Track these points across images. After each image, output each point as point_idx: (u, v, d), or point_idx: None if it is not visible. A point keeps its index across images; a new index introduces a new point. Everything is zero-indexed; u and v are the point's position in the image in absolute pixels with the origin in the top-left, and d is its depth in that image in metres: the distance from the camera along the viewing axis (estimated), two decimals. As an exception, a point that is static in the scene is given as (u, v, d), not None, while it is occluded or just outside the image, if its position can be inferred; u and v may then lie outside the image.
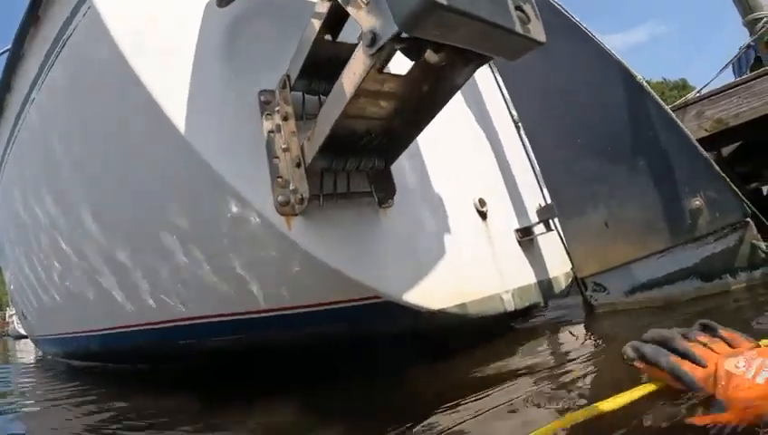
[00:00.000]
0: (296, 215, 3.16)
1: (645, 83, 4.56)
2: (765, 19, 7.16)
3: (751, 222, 4.33)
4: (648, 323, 4.22)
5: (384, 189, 3.56)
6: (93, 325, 6.16)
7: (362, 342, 4.15)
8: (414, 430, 2.58)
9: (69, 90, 4.35)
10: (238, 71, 3.41)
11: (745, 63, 9.11)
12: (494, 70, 5.66)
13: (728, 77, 7.66)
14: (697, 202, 4.39)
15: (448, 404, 2.85)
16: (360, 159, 3.23)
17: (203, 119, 3.19)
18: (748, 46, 7.49)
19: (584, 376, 2.98)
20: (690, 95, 7.15)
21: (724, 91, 6.90)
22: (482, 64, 2.86)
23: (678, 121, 4.54)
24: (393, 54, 2.56)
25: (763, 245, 4.31)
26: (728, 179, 4.38)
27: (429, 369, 4.03)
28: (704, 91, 7.06)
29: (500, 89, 5.44)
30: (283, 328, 3.95)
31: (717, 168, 4.40)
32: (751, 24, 7.28)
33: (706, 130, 6.76)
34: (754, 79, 6.80)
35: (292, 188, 3.13)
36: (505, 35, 2.40)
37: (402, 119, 3.13)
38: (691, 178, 4.43)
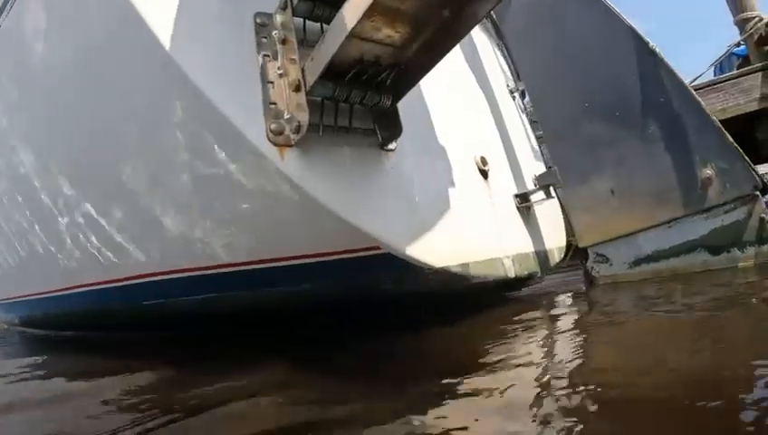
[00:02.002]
0: (291, 146, 2.80)
1: (658, 50, 4.20)
2: (756, 18, 6.97)
3: (760, 196, 4.01)
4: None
5: (389, 129, 3.16)
6: (48, 286, 5.52)
7: (359, 301, 3.74)
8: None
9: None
10: None
11: (728, 66, 8.95)
12: (494, 40, 5.28)
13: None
14: (708, 172, 4.06)
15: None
16: (365, 92, 2.85)
17: (192, 37, 2.84)
18: (738, 44, 7.31)
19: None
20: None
21: (712, 85, 6.69)
22: None
23: (691, 90, 4.19)
24: None
25: (772, 219, 3.97)
26: (740, 150, 4.03)
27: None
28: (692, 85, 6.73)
29: (498, 60, 5.04)
30: (267, 285, 3.52)
31: (730, 138, 4.06)
32: (741, 24, 7.09)
33: None
34: (742, 76, 6.58)
35: (287, 116, 2.79)
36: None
37: (416, 48, 2.75)
38: (702, 148, 4.10)
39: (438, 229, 3.44)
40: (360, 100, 2.86)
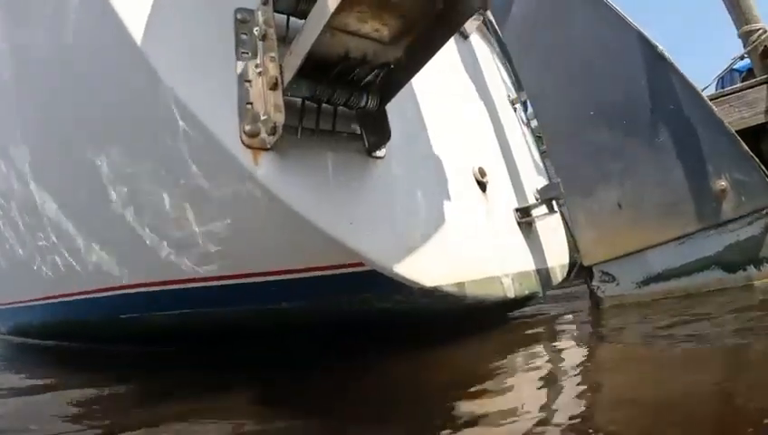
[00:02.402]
0: (267, 149, 2.55)
1: (667, 54, 3.89)
2: (760, 30, 6.69)
3: (779, 209, 3.67)
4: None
5: (376, 133, 2.90)
6: (31, 295, 5.19)
7: (343, 321, 3.44)
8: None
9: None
10: None
11: (729, 81, 8.69)
12: (495, 48, 4.99)
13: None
14: (722, 184, 3.74)
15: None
16: (350, 93, 2.62)
17: (165, 31, 2.60)
18: (742, 57, 7.03)
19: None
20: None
21: (716, 98, 6.38)
22: None
23: (704, 96, 3.88)
24: None
25: (790, 234, 3.65)
26: (757, 160, 3.72)
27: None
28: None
29: (498, 68, 4.75)
30: (242, 302, 3.22)
31: (746, 147, 3.74)
32: (745, 36, 6.82)
33: None
34: (747, 88, 6.29)
35: (263, 117, 2.54)
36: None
37: (406, 45, 2.52)
38: (716, 157, 3.78)
39: (431, 245, 3.16)
40: (345, 101, 2.66)
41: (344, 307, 3.21)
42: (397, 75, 2.70)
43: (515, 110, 5.09)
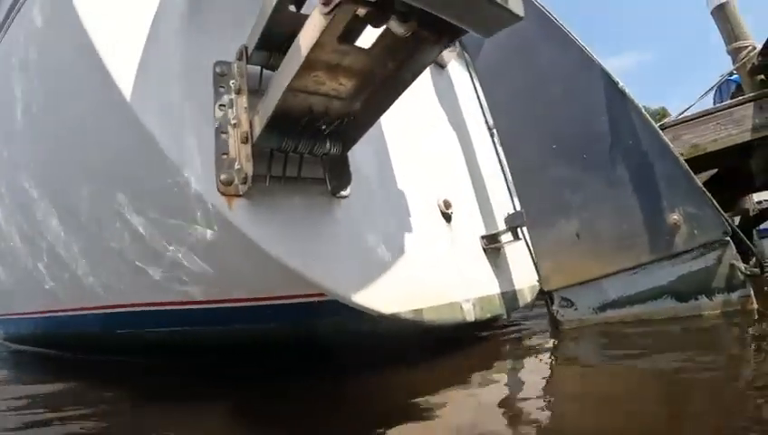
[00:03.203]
0: (240, 196, 2.77)
1: (627, 90, 3.94)
2: (749, 48, 6.65)
3: (731, 241, 3.74)
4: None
5: (339, 177, 3.09)
6: (35, 307, 5.45)
7: (306, 343, 3.70)
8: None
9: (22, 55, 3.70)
10: (195, 40, 2.98)
11: (726, 93, 8.60)
12: (473, 75, 5.04)
13: (708, 106, 7.07)
14: (675, 217, 3.80)
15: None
16: (314, 143, 2.80)
17: (152, 87, 2.79)
18: (731, 73, 6.99)
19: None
20: (668, 119, 6.56)
21: (703, 116, 6.36)
22: (453, 41, 2.42)
23: (660, 132, 3.93)
24: (356, 24, 2.17)
25: (742, 266, 3.71)
26: (709, 195, 3.76)
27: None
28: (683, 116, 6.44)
29: (477, 95, 4.80)
30: (219, 323, 3.49)
31: (699, 182, 3.80)
32: (735, 53, 6.78)
33: (682, 155, 6.14)
34: (735, 106, 6.24)
35: (237, 167, 2.75)
36: (479, 2, 2.04)
37: (364, 99, 2.70)
38: (670, 192, 3.84)
39: (390, 275, 3.31)
40: (310, 150, 2.82)
41: (312, 331, 3.46)
42: (357, 125, 2.84)
43: (492, 135, 5.12)
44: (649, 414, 2.12)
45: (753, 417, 1.96)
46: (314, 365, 3.89)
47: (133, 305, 3.86)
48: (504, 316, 4.37)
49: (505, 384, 3.08)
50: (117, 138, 2.99)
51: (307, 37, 2.21)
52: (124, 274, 3.70)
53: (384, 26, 2.21)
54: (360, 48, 2.40)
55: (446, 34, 2.31)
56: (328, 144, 2.85)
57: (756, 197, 9.28)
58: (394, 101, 2.68)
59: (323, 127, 2.74)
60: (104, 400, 3.70)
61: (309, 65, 2.30)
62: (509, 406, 2.57)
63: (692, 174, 3.81)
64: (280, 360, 4.01)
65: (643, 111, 3.94)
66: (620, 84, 3.97)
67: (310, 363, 3.91)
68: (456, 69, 5.01)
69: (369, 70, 2.51)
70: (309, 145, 2.78)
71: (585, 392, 2.69)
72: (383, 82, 2.58)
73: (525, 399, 2.72)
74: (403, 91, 2.62)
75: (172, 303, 3.56)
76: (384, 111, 2.75)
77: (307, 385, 3.46)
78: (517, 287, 4.57)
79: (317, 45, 2.20)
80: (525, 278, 4.58)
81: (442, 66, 4.95)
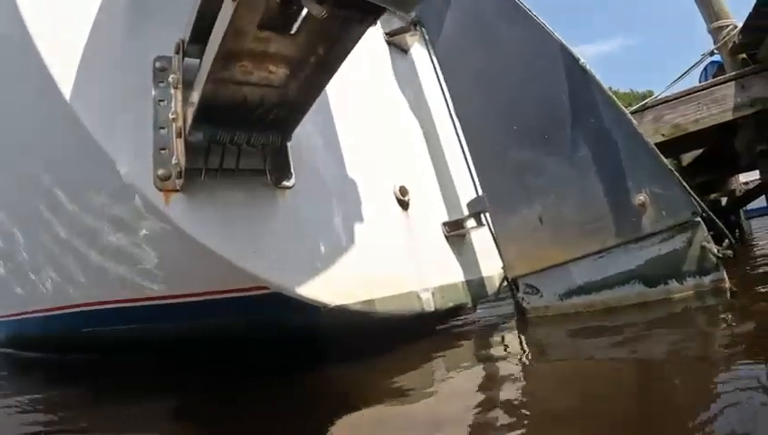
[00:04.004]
0: (177, 191, 2.64)
1: (588, 67, 3.63)
2: (730, 27, 6.32)
3: (701, 222, 3.43)
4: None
5: (280, 168, 2.92)
6: (8, 310, 5.33)
7: (254, 339, 3.47)
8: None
9: None
10: (136, 35, 2.80)
11: (711, 75, 8.29)
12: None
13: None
14: (641, 198, 3.49)
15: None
16: (250, 133, 2.63)
17: (91, 84, 2.65)
18: (712, 53, 6.65)
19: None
20: (649, 100, 6.26)
21: (685, 96, 6.07)
22: (375, 20, 2.25)
23: (623, 108, 3.62)
24: (277, 11, 2.06)
25: (714, 248, 3.41)
26: (677, 174, 3.46)
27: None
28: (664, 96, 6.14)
29: (438, 79, 4.49)
30: (170, 319, 3.42)
31: (665, 160, 3.49)
32: (716, 32, 6.46)
33: (663, 135, 5.93)
34: (716, 85, 5.94)
35: (174, 161, 2.60)
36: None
37: (298, 86, 2.51)
38: (636, 172, 3.54)
39: (338, 266, 3.13)
40: (247, 141, 2.65)
41: (258, 327, 3.29)
42: (294, 112, 2.68)
43: (454, 119, 4.82)
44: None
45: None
46: (263, 362, 3.70)
47: (91, 304, 3.82)
48: (470, 305, 4.11)
49: (462, 378, 2.81)
50: (56, 136, 2.89)
51: (219, 26, 2.09)
52: (76, 274, 3.70)
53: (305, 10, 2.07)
54: (284, 34, 2.21)
55: (369, 13, 2.16)
56: (266, 134, 2.70)
57: (743, 177, 8.99)
58: (326, 85, 2.57)
59: (260, 117, 2.59)
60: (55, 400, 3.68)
61: (229, 55, 2.17)
62: (465, 401, 2.32)
63: (658, 153, 3.51)
64: (231, 356, 3.83)
65: (605, 88, 3.64)
66: (581, 61, 3.66)
67: (258, 360, 3.73)
68: (420, 53, 4.70)
69: (298, 56, 2.33)
70: (246, 136, 2.63)
71: (546, 384, 2.47)
72: (315, 66, 2.41)
73: (482, 390, 2.52)
74: (334, 73, 2.48)
75: (126, 300, 3.54)
76: (317, 95, 2.62)
77: (253, 383, 3.30)
78: (485, 275, 4.32)
79: (235, 34, 2.07)
80: (494, 265, 4.27)
81: (405, 51, 4.66)
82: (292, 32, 2.21)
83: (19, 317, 4.99)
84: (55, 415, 3.24)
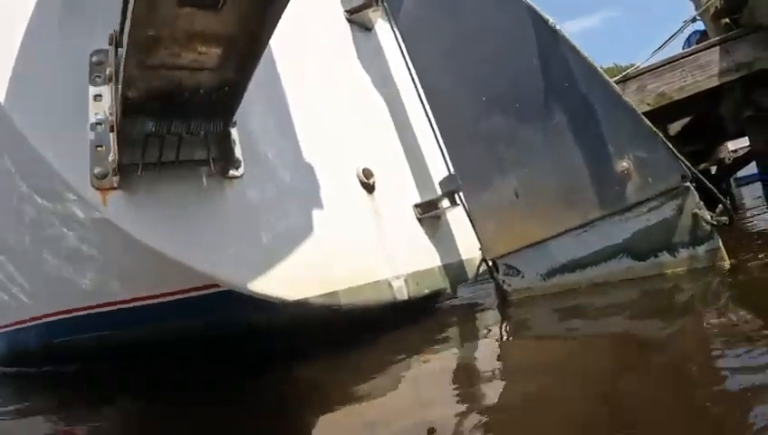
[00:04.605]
0: (114, 188, 2.41)
1: (559, 28, 3.26)
2: (712, -9, 5.98)
3: (692, 187, 3.06)
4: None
5: (225, 156, 2.65)
6: None
7: (212, 339, 3.19)
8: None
9: None
10: (70, 30, 2.59)
11: (694, 42, 7.97)
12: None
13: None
14: (624, 164, 3.13)
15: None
16: (189, 121, 2.39)
17: (26, 85, 2.47)
18: (693, 19, 6.34)
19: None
20: (631, 70, 5.91)
21: (668, 63, 5.72)
22: None
23: (599, 69, 3.24)
24: None
25: (707, 215, 3.04)
26: (662, 136, 3.09)
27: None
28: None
29: (402, 54, 4.14)
30: (130, 324, 3.22)
31: (648, 122, 3.11)
32: (697, -3, 6.14)
33: (649, 105, 5.59)
34: (700, 51, 5.59)
35: (111, 158, 2.36)
36: None
37: (235, 66, 2.27)
38: (616, 137, 3.17)
39: (296, 258, 2.86)
40: (187, 129, 2.41)
41: (215, 326, 3.07)
42: (233, 95, 2.41)
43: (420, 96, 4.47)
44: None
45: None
46: (224, 363, 3.42)
47: (58, 314, 3.60)
48: (449, 290, 3.77)
49: (438, 370, 2.54)
50: None
51: (132, 6, 1.84)
52: (36, 284, 3.59)
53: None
54: (208, 10, 1.94)
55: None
56: (207, 121, 2.45)
57: (731, 145, 8.66)
58: (258, 62, 2.29)
59: (198, 103, 2.33)
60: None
61: (149, 38, 1.93)
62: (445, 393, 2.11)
63: (640, 115, 3.16)
64: (195, 359, 3.50)
65: (579, 49, 3.25)
66: (551, 21, 3.29)
67: (219, 360, 3.44)
68: (385, 30, 4.35)
69: (229, 32, 2.09)
70: (184, 125, 2.37)
71: (528, 373, 2.19)
72: (249, 43, 2.17)
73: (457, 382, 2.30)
74: (266, 46, 2.24)
75: (89, 307, 3.33)
76: (252, 73, 2.33)
77: (210, 387, 3.08)
78: (465, 257, 4.00)
79: (150, 12, 1.84)
80: (475, 247, 3.91)
81: (368, 29, 4.30)
82: (219, 6, 1.92)
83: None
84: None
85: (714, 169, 8.68)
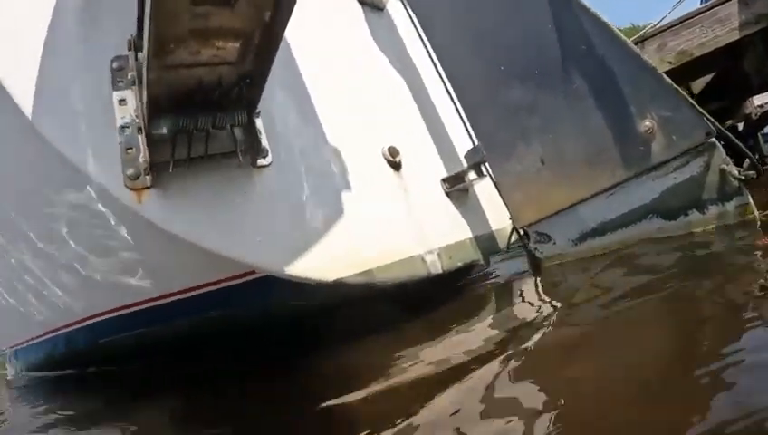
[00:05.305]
0: (148, 187, 2.43)
1: (570, -12, 3.20)
2: (730, -59, 5.79)
3: (717, 143, 2.97)
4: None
5: (252, 147, 2.64)
6: (32, 333, 5.16)
7: (254, 327, 3.25)
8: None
9: None
10: (90, 39, 2.59)
11: None
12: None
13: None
14: (648, 123, 3.05)
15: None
16: (214, 116, 2.36)
17: (49, 95, 2.47)
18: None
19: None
20: (648, 29, 5.77)
21: (686, 20, 5.55)
22: None
23: (616, 31, 3.17)
24: None
25: (734, 170, 2.95)
26: (684, 93, 3.02)
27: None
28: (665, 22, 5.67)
29: (416, 28, 4.10)
30: (171, 318, 3.26)
31: (669, 80, 3.04)
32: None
33: (670, 63, 5.44)
34: (719, 4, 5.41)
35: (142, 159, 2.38)
36: None
37: (253, 57, 2.23)
38: (637, 96, 3.08)
39: (330, 239, 2.84)
40: (213, 124, 2.38)
41: (255, 314, 3.10)
42: (254, 86, 2.39)
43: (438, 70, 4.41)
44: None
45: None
46: (269, 350, 3.43)
47: (100, 315, 3.66)
48: (482, 262, 3.73)
49: (482, 338, 2.53)
50: (22, 154, 2.80)
51: (148, 9, 1.81)
52: (79, 287, 3.57)
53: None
54: (222, 6, 1.91)
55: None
56: (231, 113, 2.43)
57: (757, 100, 8.42)
58: (277, 50, 2.23)
59: (222, 97, 2.33)
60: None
61: (168, 38, 1.91)
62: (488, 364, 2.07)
63: (661, 73, 3.07)
64: (237, 349, 3.56)
65: (593, 10, 3.18)
66: (564, -15, 3.21)
67: (264, 349, 3.46)
68: (397, 8, 4.32)
69: (245, 26, 2.04)
70: (210, 119, 2.35)
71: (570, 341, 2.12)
72: (264, 33, 2.11)
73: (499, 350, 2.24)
74: (283, 36, 2.17)
75: (128, 306, 3.38)
76: (272, 62, 2.28)
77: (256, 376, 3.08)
78: (495, 228, 3.95)
79: (167, 14, 1.82)
80: (505, 217, 3.89)
81: (380, 8, 4.24)
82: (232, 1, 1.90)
83: (39, 340, 4.86)
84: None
85: (741, 126, 8.45)
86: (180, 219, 2.47)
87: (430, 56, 3.91)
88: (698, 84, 7.03)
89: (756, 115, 8.25)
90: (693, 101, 3.00)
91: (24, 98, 2.41)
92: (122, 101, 2.40)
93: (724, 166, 2.95)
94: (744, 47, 5.49)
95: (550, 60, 3.26)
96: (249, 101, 2.46)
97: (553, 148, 3.31)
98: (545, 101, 3.30)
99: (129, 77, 2.40)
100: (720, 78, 6.74)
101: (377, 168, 3.33)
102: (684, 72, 5.67)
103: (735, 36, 5.30)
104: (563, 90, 3.23)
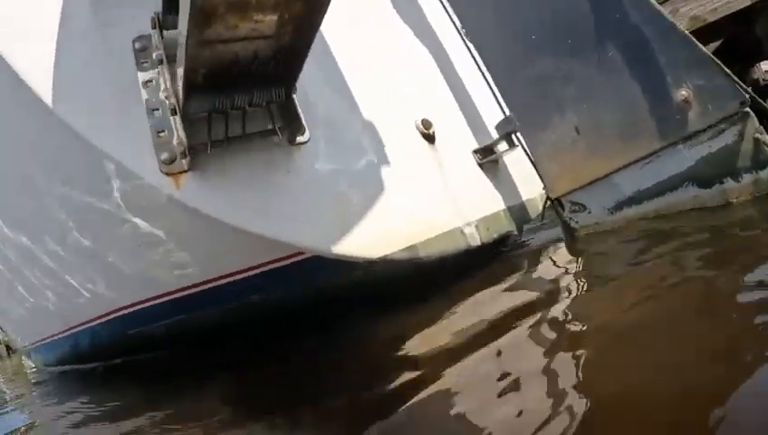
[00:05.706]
0: (186, 171, 2.37)
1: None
2: None
3: (751, 112, 2.94)
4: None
5: (290, 124, 2.57)
6: (57, 328, 5.05)
7: (299, 309, 3.19)
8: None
9: None
10: (109, 19, 2.49)
11: None
12: None
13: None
14: (684, 93, 3.01)
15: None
16: (251, 93, 2.28)
17: (70, 82, 2.37)
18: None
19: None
20: (661, -5, 5.73)
21: (696, -11, 5.49)
22: None
23: (651, -1, 3.13)
24: None
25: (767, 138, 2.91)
26: (719, 62, 2.99)
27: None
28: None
29: (442, 2, 4.04)
30: (212, 304, 3.15)
31: (704, 48, 3.02)
32: None
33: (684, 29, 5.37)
34: (729, -31, 5.37)
35: (176, 141, 2.33)
36: None
37: (291, 31, 2.09)
38: (673, 65, 3.04)
39: (372, 216, 2.81)
40: (250, 101, 2.30)
41: (301, 295, 3.04)
42: (292, 60, 2.27)
43: (465, 40, 4.32)
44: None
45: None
46: (315, 331, 3.38)
47: (133, 305, 3.55)
48: (515, 232, 3.73)
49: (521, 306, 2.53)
50: (49, 146, 2.66)
51: None
52: (115, 277, 3.42)
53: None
54: None
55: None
56: (268, 90, 2.34)
57: (765, 66, 8.39)
58: (321, 21, 2.11)
59: (258, 72, 2.20)
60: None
61: (207, 11, 1.77)
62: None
63: (695, 41, 3.04)
64: (278, 333, 3.50)
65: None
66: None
67: (311, 330, 3.41)
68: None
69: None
70: (247, 97, 2.26)
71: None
72: (302, 8, 2.00)
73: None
74: (327, 7, 2.06)
75: (166, 294, 3.25)
76: (314, 35, 2.18)
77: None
78: (526, 198, 3.92)
79: None
80: (533, 187, 3.89)
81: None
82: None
83: (67, 333, 4.76)
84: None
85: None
86: (222, 203, 2.42)
87: (455, 26, 3.85)
88: (707, 50, 7.00)
89: (765, 81, 8.23)
90: (728, 71, 2.98)
91: (46, 89, 2.32)
92: (148, 83, 2.35)
93: (758, 135, 2.92)
94: (757, 12, 5.46)
95: (583, 29, 3.22)
96: (287, 76, 2.38)
97: (589, 117, 3.28)
98: (579, 70, 3.26)
99: (154, 57, 2.35)
100: (729, 44, 6.70)
101: (412, 141, 3.29)
102: (697, 38, 5.65)
103: (748, 2, 5.27)
104: (598, 59, 3.19)
